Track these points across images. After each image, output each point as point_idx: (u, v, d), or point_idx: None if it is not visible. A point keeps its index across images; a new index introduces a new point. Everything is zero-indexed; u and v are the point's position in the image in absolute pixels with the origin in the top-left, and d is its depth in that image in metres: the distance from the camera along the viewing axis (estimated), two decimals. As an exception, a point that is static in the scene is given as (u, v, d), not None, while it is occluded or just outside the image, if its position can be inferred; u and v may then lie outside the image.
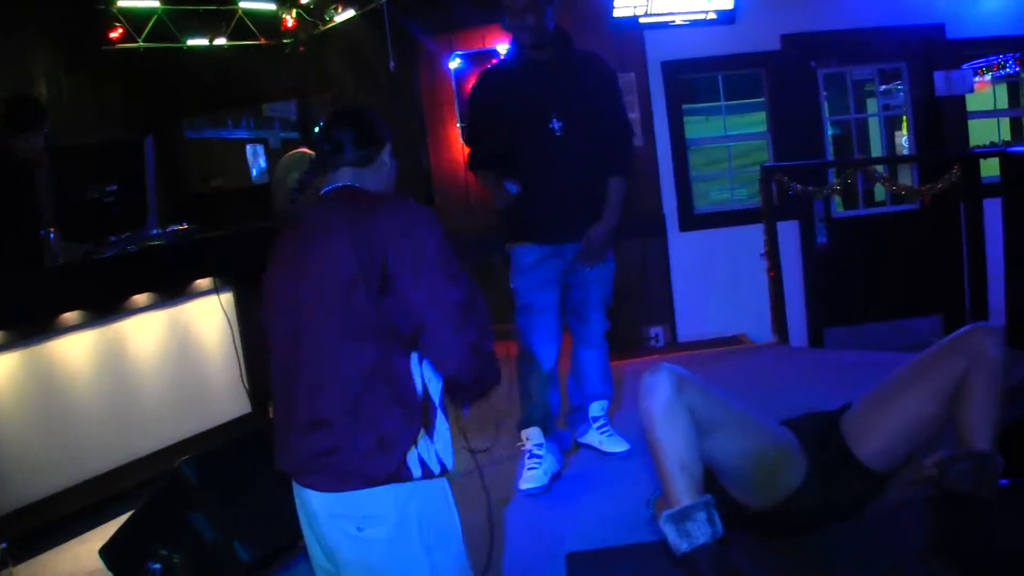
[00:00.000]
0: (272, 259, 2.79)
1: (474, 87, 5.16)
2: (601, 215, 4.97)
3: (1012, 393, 3.92)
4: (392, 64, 8.58)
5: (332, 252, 2.54)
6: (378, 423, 2.50)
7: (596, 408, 5.34)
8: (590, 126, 4.92)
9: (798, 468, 3.37)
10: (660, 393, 3.11)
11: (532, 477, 4.96)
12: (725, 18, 8.47)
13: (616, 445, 5.27)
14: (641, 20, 8.34)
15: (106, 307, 5.23)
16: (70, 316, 5.03)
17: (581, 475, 5.15)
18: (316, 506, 2.64)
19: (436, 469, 2.61)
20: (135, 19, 9.42)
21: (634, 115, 8.21)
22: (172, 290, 5.63)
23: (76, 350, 5.07)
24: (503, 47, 8.41)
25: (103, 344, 5.22)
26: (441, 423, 2.66)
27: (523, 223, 4.97)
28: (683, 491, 3.04)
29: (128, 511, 4.17)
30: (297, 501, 2.79)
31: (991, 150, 8.12)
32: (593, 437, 5.35)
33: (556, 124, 4.84)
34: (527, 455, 5.09)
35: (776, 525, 3.42)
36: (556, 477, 5.08)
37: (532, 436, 5.07)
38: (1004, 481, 3.40)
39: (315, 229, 2.65)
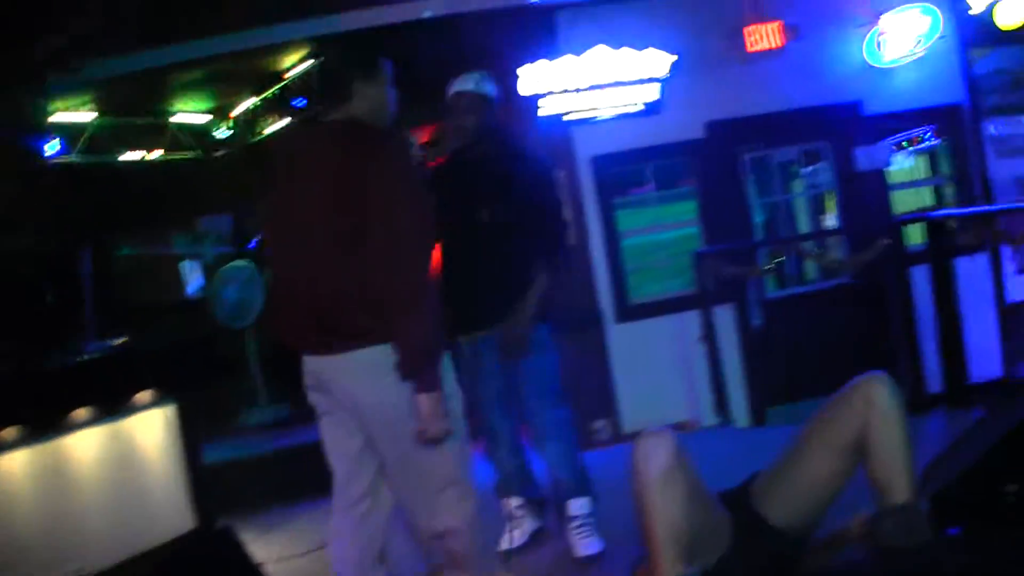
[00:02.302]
0: None
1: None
2: (519, 309, 4.93)
3: (956, 445, 4.03)
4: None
5: None
6: None
7: (574, 507, 5.21)
8: (509, 221, 4.95)
9: (724, 536, 3.39)
10: (659, 459, 3.08)
11: (508, 538, 5.18)
12: (651, 110, 8.65)
13: (586, 547, 5.15)
14: (568, 118, 8.51)
15: (43, 423, 5.12)
16: (6, 433, 4.87)
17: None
18: None
19: None
20: (70, 132, 9.47)
21: (565, 212, 8.33)
22: (113, 404, 5.52)
23: (13, 468, 4.91)
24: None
25: (41, 461, 5.06)
26: None
27: (454, 316, 4.90)
28: (673, 561, 3.05)
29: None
30: None
31: (914, 216, 8.31)
32: (568, 536, 5.23)
33: (483, 218, 4.92)
34: (507, 517, 5.26)
35: None
36: (536, 534, 5.31)
37: (512, 503, 5.26)
38: (954, 530, 3.47)
39: None
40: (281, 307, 3.76)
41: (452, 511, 3.66)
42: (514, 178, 5.02)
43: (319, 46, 8.64)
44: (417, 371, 3.37)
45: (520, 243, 4.95)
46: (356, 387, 3.53)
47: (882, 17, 9.17)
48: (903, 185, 9.98)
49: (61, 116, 9.37)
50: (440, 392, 3.44)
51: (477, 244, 4.94)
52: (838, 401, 3.34)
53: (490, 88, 5.09)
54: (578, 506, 5.20)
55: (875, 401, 3.20)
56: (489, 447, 5.28)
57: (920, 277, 7.69)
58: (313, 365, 3.65)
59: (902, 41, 9.18)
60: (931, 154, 10.17)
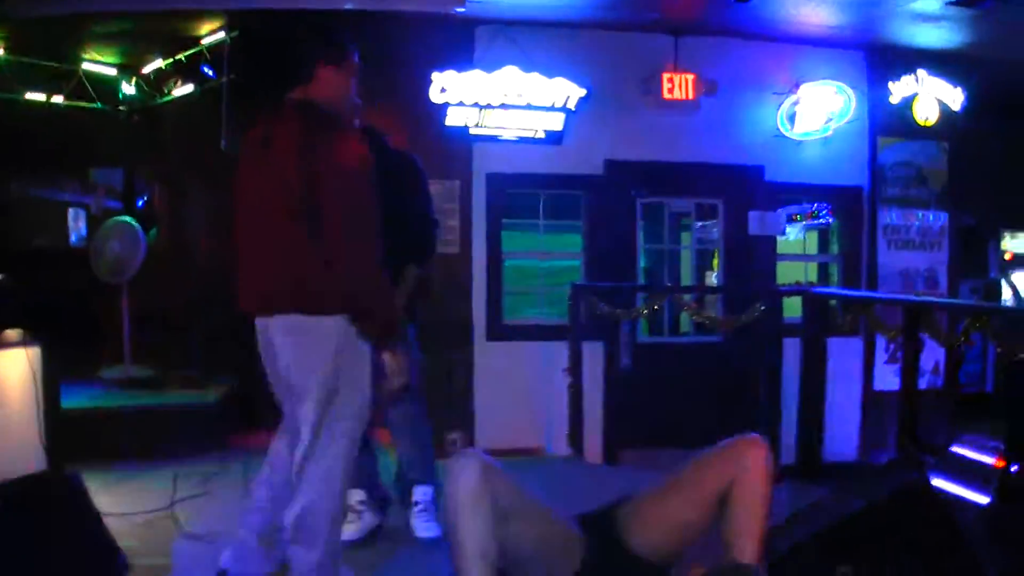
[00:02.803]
0: None
1: None
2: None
3: (794, 518, 4.06)
4: (224, 142, 8.56)
5: None
6: None
7: (417, 493, 5.47)
8: (392, 217, 4.99)
9: (576, 556, 3.40)
10: (466, 479, 3.10)
11: (348, 530, 5.09)
12: (553, 138, 8.72)
13: (426, 529, 5.41)
14: (472, 131, 8.55)
15: None
16: None
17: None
18: None
19: None
20: (-27, 65, 9.31)
21: (453, 222, 8.38)
22: None
23: None
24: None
25: None
26: None
27: None
28: None
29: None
30: None
31: (795, 288, 8.40)
32: (411, 518, 5.47)
33: None
34: (347, 510, 5.15)
35: None
36: (373, 531, 5.38)
37: (354, 494, 5.24)
38: None
39: None
40: (243, 276, 3.97)
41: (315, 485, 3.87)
42: (392, 179, 4.90)
43: (235, 19, 8.57)
44: (386, 337, 3.85)
45: (391, 237, 4.97)
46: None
47: (800, 87, 9.29)
48: (791, 256, 10.13)
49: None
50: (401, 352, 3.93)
51: None
52: (717, 452, 3.36)
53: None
54: (422, 492, 5.43)
55: (748, 462, 3.24)
56: None
57: (791, 349, 7.78)
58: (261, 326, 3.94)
59: (814, 116, 9.34)
60: (823, 231, 10.32)
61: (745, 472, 3.23)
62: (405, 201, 5.19)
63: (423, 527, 5.43)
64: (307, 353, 3.80)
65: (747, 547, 3.21)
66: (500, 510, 3.14)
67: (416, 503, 5.48)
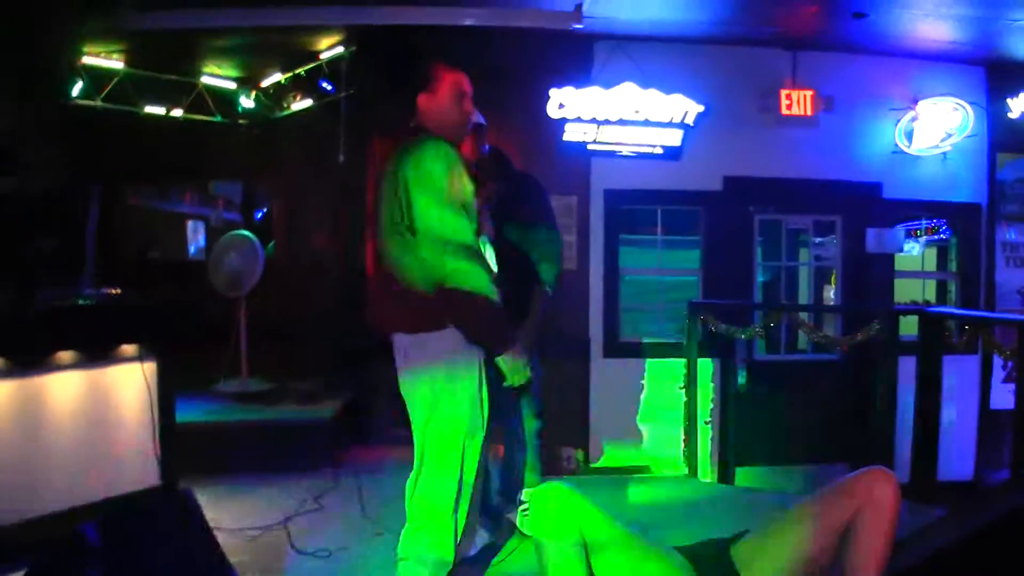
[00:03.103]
0: None
1: None
2: (521, 320, 5.20)
3: (906, 540, 4.01)
4: (342, 157, 8.63)
5: None
6: None
7: (524, 495, 5.45)
8: (517, 239, 5.21)
9: None
10: (549, 508, 3.18)
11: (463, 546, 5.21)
12: (671, 154, 8.67)
13: None
14: (589, 147, 8.52)
15: (29, 360, 5.16)
16: None
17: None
18: None
19: None
20: (97, 77, 9.48)
21: (571, 238, 8.37)
22: (97, 352, 5.54)
23: None
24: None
25: (20, 396, 5.11)
26: None
27: None
28: None
29: (26, 568, 4.16)
30: None
31: (911, 308, 8.29)
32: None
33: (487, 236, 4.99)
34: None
35: None
36: (485, 548, 5.38)
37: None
38: None
39: None
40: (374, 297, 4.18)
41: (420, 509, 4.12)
42: (521, 201, 5.34)
43: (354, 34, 8.65)
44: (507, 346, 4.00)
45: (523, 261, 5.25)
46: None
47: (918, 104, 9.17)
48: (909, 273, 9.96)
49: (91, 60, 9.37)
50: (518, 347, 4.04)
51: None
52: (843, 484, 3.32)
53: (480, 118, 5.22)
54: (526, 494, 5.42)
55: (876, 495, 3.19)
56: None
57: (907, 367, 7.67)
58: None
59: (933, 132, 9.21)
60: (941, 248, 10.16)
61: (873, 505, 3.18)
62: (534, 222, 5.34)
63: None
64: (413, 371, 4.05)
65: (869, 574, 3.16)
66: (586, 538, 3.18)
67: (521, 502, 5.47)
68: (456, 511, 4.18)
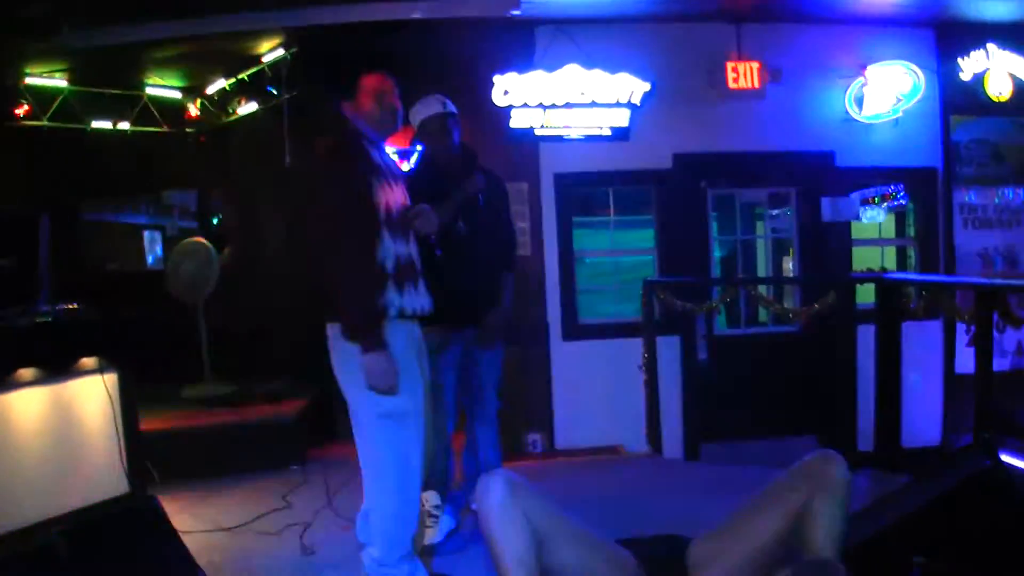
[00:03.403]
0: None
1: None
2: (497, 303, 5.55)
3: (866, 512, 4.00)
4: (287, 159, 8.61)
5: None
6: None
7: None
8: (489, 230, 5.43)
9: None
10: (495, 494, 3.14)
11: (428, 534, 5.41)
12: (619, 135, 8.63)
13: None
14: (537, 132, 8.49)
15: None
16: None
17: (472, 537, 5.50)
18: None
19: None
20: (41, 97, 9.46)
21: (524, 224, 8.37)
22: (57, 367, 5.55)
23: None
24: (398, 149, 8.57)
25: None
26: None
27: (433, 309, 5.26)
28: None
29: (-4, 583, 4.15)
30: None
31: (868, 275, 8.28)
32: None
33: (462, 226, 5.29)
34: (427, 514, 5.51)
35: None
36: (451, 534, 5.60)
37: (430, 498, 5.53)
38: None
39: None
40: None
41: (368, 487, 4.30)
42: (491, 193, 5.48)
43: (292, 36, 8.64)
44: (354, 337, 4.06)
45: (492, 248, 5.50)
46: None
47: (867, 69, 9.15)
48: (867, 241, 9.94)
49: (34, 80, 9.35)
50: (383, 353, 4.07)
51: (459, 248, 5.29)
52: (791, 475, 3.35)
53: (453, 107, 5.43)
54: None
55: (825, 475, 3.22)
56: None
57: (870, 335, 7.67)
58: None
59: (883, 97, 9.20)
60: (898, 214, 10.15)
61: (823, 485, 3.22)
62: (499, 215, 5.64)
63: None
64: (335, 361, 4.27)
65: (826, 546, 3.17)
66: (534, 528, 3.17)
67: None
68: (401, 494, 4.23)
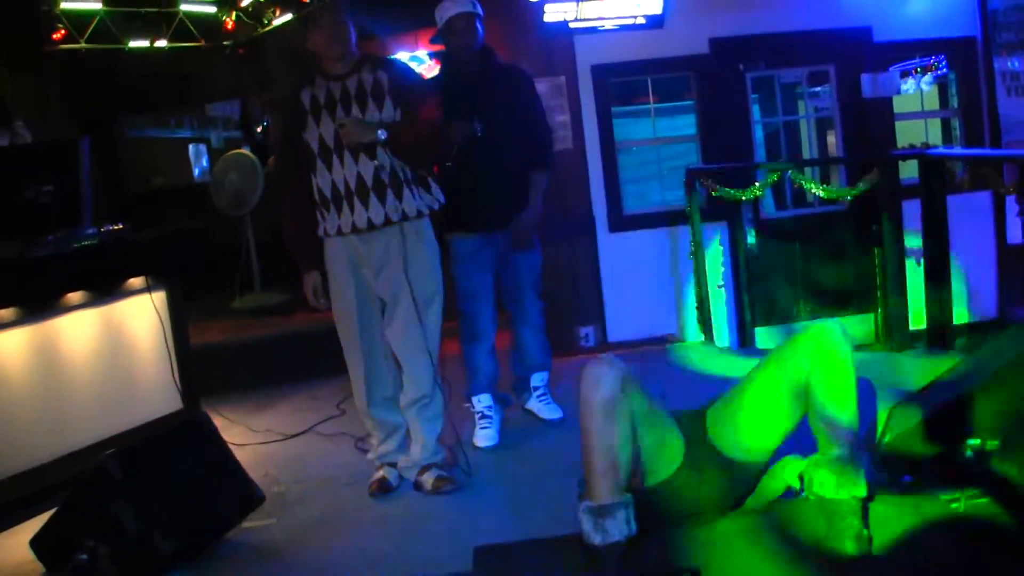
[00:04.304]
0: None
1: None
2: (527, 204, 5.61)
3: (924, 391, 4.04)
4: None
5: None
6: None
7: (537, 379, 6.08)
8: (510, 128, 5.50)
9: (676, 456, 3.45)
10: (604, 388, 3.18)
11: (485, 436, 5.72)
12: (654, 22, 8.54)
13: (552, 412, 6.03)
14: (571, 25, 8.39)
15: (39, 305, 5.28)
16: (3, 313, 5.07)
17: (515, 442, 5.79)
18: None
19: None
20: (77, 20, 9.49)
21: (563, 118, 8.29)
22: (105, 289, 5.69)
23: (9, 347, 5.10)
24: (424, 52, 8.57)
25: (36, 341, 5.25)
26: None
27: (457, 215, 5.50)
28: (608, 489, 3.17)
29: (58, 505, 4.28)
30: None
31: (910, 152, 8.24)
32: (534, 404, 6.10)
33: (478, 126, 5.43)
34: (478, 416, 5.81)
35: (654, 508, 3.43)
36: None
37: (482, 400, 5.79)
38: (907, 478, 3.49)
39: None
40: None
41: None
42: (511, 91, 5.62)
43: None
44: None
45: (515, 147, 5.55)
46: None
47: (900, -61, 9.02)
48: (910, 115, 9.84)
49: (68, 4, 9.38)
50: (311, 273, 5.02)
51: (477, 150, 5.44)
52: (788, 345, 3.41)
53: (478, 7, 5.50)
54: (540, 378, 6.06)
55: (823, 350, 3.24)
56: (470, 345, 5.82)
57: (914, 211, 7.69)
58: None
59: (917, -32, 9.05)
60: (941, 87, 10.04)
61: (821, 362, 3.24)
62: (523, 112, 5.64)
63: (547, 410, 6.06)
64: None
65: (837, 438, 3.23)
66: (632, 418, 3.24)
67: (536, 388, 6.08)
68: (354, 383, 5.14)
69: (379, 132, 4.66)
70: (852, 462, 3.20)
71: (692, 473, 3.44)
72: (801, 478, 3.32)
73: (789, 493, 3.44)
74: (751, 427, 3.42)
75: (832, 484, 3.18)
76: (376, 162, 4.73)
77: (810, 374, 3.25)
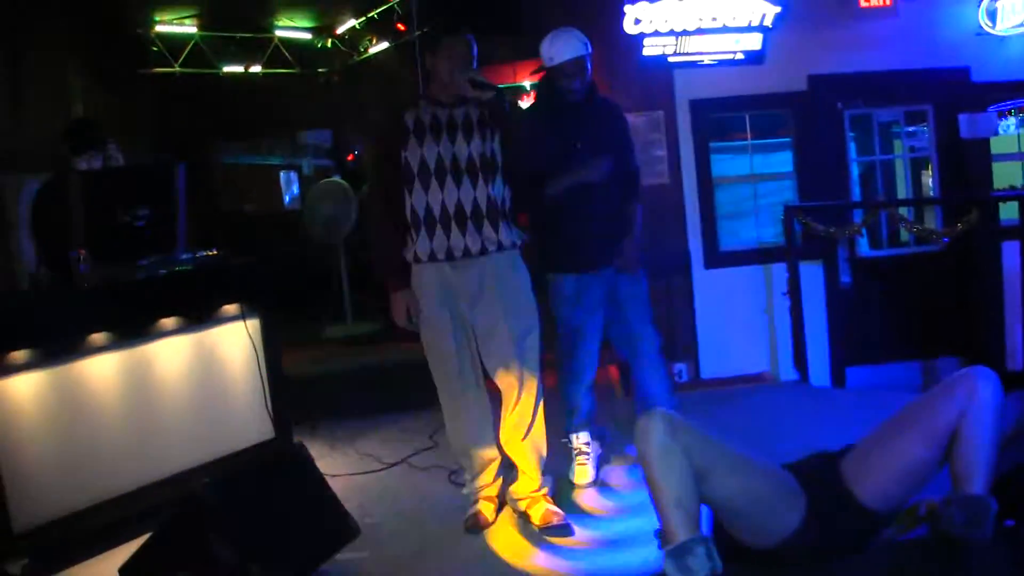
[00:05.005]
0: None
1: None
2: (629, 234, 5.52)
3: (1015, 437, 3.97)
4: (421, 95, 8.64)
5: None
6: None
7: None
8: (613, 168, 5.38)
9: (797, 508, 3.39)
10: (654, 435, 3.19)
11: (583, 472, 5.61)
12: (753, 58, 8.52)
13: None
14: (670, 59, 8.38)
15: (134, 329, 5.28)
16: (98, 337, 5.07)
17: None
18: None
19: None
20: (172, 43, 9.60)
21: (661, 152, 8.30)
22: (199, 315, 5.66)
23: (103, 371, 5.10)
24: (527, 82, 8.58)
25: (130, 366, 5.25)
26: None
27: (561, 254, 5.50)
28: (680, 526, 3.11)
29: (150, 531, 4.26)
30: None
31: (1010, 193, 8.14)
32: None
33: (590, 168, 5.34)
34: (576, 453, 5.68)
35: (776, 562, 3.41)
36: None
37: (581, 436, 5.67)
38: (1010, 522, 3.43)
39: None
40: None
41: None
42: (610, 126, 5.59)
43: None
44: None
45: (617, 185, 5.48)
46: None
47: (999, -19, 8.95)
48: (1006, 156, 9.73)
49: (164, 28, 9.49)
50: (400, 293, 4.85)
51: (584, 191, 5.35)
52: (942, 389, 3.38)
53: (590, 47, 5.43)
54: None
55: (977, 395, 3.23)
56: (571, 385, 5.69)
57: (1012, 251, 7.58)
58: None
59: (1016, 9, 8.95)
60: (1038, 127, 9.95)
61: (974, 405, 3.21)
62: (618, 147, 5.59)
63: None
64: None
65: (976, 479, 3.19)
66: (695, 465, 3.20)
67: None
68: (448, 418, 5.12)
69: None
70: (983, 502, 3.15)
71: (819, 522, 3.38)
72: (927, 514, 3.27)
73: (913, 531, 3.40)
74: (898, 472, 3.37)
75: (962, 523, 3.13)
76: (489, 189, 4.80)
77: (962, 417, 3.22)
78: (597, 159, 5.30)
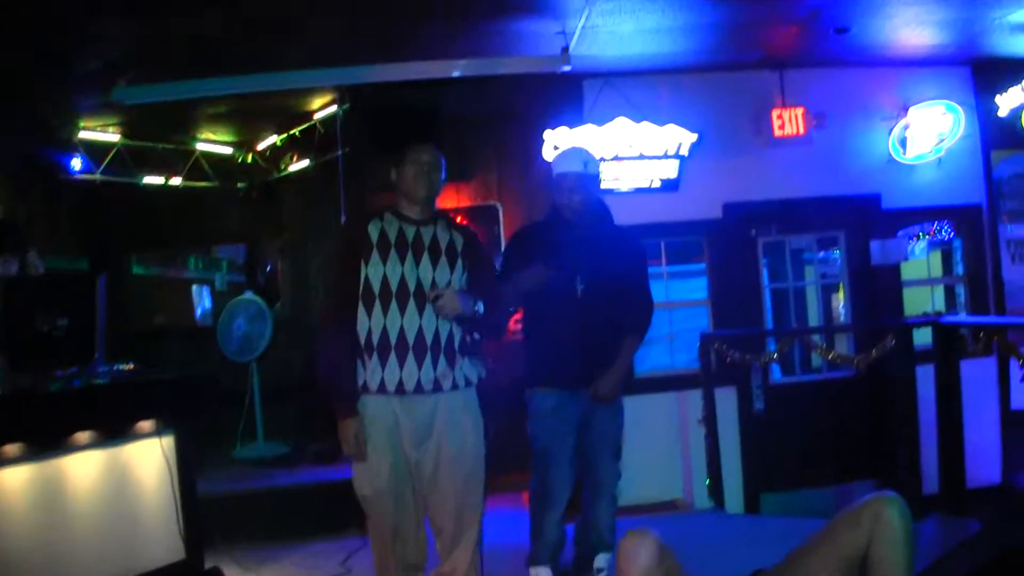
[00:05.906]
0: None
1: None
2: (612, 362, 5.36)
3: (944, 560, 4.01)
4: (344, 217, 8.66)
5: None
6: None
7: (602, 560, 5.59)
8: (611, 291, 5.31)
9: None
10: (642, 559, 3.11)
11: None
12: (669, 186, 8.67)
13: None
14: (587, 187, 8.48)
15: (47, 442, 5.15)
16: (10, 448, 4.92)
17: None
18: None
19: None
20: (94, 150, 9.53)
21: (577, 277, 8.35)
22: (114, 430, 5.52)
23: (12, 484, 4.97)
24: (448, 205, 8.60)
25: (40, 480, 5.11)
26: None
27: (542, 370, 5.39)
28: None
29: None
30: None
31: (924, 320, 8.30)
32: None
33: (580, 286, 5.26)
34: None
35: None
36: None
37: (541, 573, 5.50)
38: None
39: None
40: None
41: None
42: (619, 256, 5.44)
43: (345, 92, 8.68)
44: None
45: (612, 311, 5.35)
46: None
47: (909, 111, 9.18)
48: (916, 282, 9.94)
49: (87, 134, 9.43)
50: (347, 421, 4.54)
51: (574, 309, 5.28)
52: (848, 516, 3.34)
53: (595, 167, 5.44)
54: (605, 560, 5.58)
55: (884, 521, 3.20)
56: (538, 507, 5.52)
57: (925, 376, 7.70)
58: None
59: (925, 137, 9.20)
60: (946, 252, 10.18)
61: (882, 531, 3.19)
62: (628, 279, 5.46)
63: None
64: None
65: None
66: None
67: (599, 572, 5.60)
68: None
69: (477, 306, 4.57)
70: None
71: None
72: None
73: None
74: None
75: None
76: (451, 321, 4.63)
77: (871, 544, 3.20)
78: (574, 274, 5.26)
